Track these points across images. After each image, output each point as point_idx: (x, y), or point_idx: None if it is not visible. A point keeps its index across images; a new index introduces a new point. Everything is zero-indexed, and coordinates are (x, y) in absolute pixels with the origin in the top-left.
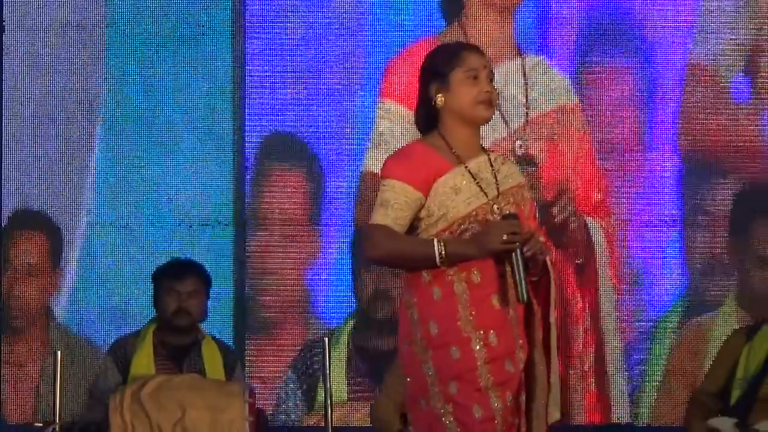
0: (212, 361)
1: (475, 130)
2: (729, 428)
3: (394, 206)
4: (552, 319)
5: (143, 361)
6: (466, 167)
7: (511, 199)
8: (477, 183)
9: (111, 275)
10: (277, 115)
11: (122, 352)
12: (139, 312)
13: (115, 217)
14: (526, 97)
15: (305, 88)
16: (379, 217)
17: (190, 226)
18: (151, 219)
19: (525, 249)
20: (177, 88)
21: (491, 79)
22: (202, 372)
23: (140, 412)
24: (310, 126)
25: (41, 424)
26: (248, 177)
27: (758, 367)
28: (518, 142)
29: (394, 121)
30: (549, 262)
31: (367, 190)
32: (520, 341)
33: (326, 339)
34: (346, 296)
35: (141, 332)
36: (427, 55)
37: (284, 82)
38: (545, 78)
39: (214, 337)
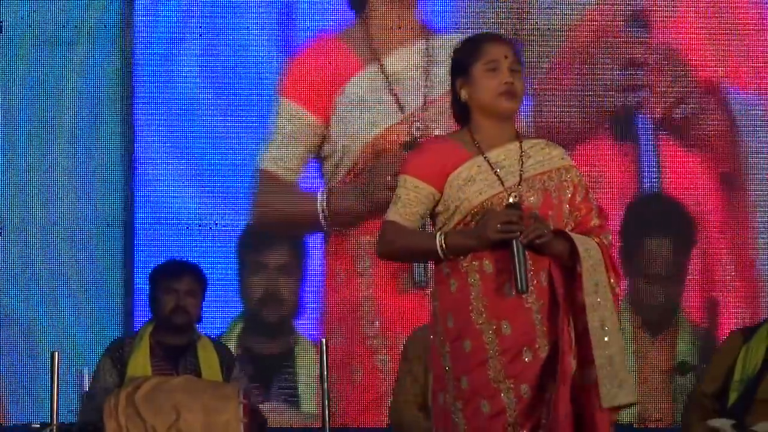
0: (208, 361)
1: (503, 121)
2: (727, 429)
3: (404, 202)
4: (587, 301)
5: (140, 361)
6: (484, 157)
7: (538, 185)
8: (495, 172)
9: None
10: (167, 111)
11: (119, 353)
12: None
13: (11, 217)
14: (426, 79)
15: (197, 84)
16: (389, 214)
17: (81, 228)
18: (41, 221)
19: (521, 237)
20: (65, 86)
21: (515, 70)
22: (197, 373)
23: (135, 415)
24: (202, 123)
25: (38, 425)
26: (138, 177)
27: (756, 368)
28: (416, 125)
29: (292, 122)
30: (581, 247)
31: (264, 189)
32: (544, 329)
33: (324, 341)
34: (233, 299)
35: (138, 333)
36: (453, 50)
37: (174, 78)
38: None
39: (210, 338)
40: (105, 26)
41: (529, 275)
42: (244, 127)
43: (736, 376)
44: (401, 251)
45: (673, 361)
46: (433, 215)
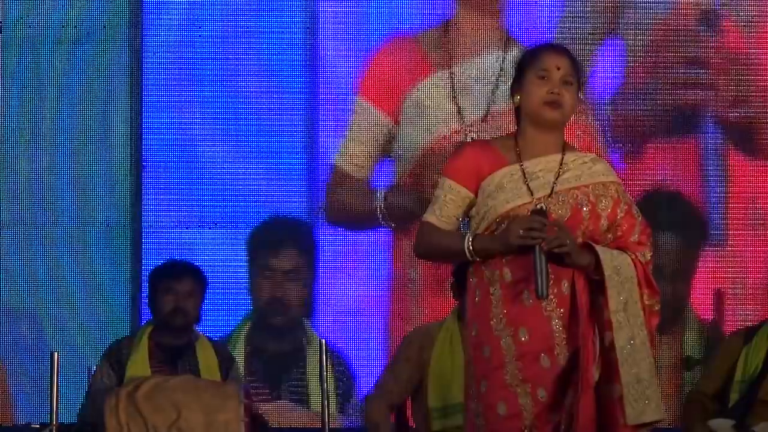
0: (207, 361)
1: (549, 130)
2: (727, 430)
3: (440, 203)
4: (614, 319)
5: (138, 362)
6: (521, 166)
7: (569, 200)
8: (526, 182)
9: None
10: (176, 114)
11: (117, 354)
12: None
13: (13, 217)
14: (495, 90)
15: (206, 84)
16: (427, 214)
17: (89, 227)
18: (50, 219)
19: (543, 243)
20: (75, 86)
21: (567, 82)
22: (197, 373)
23: (136, 414)
24: (212, 123)
25: (38, 426)
26: (146, 177)
27: (757, 369)
28: (472, 135)
29: (366, 120)
30: (607, 263)
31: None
32: (564, 336)
33: (323, 341)
34: (243, 298)
35: (137, 334)
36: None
37: (183, 77)
38: None
39: (209, 338)
40: (113, 25)
41: (550, 282)
42: (256, 128)
43: (737, 376)
44: (435, 251)
45: (681, 357)
46: (469, 218)
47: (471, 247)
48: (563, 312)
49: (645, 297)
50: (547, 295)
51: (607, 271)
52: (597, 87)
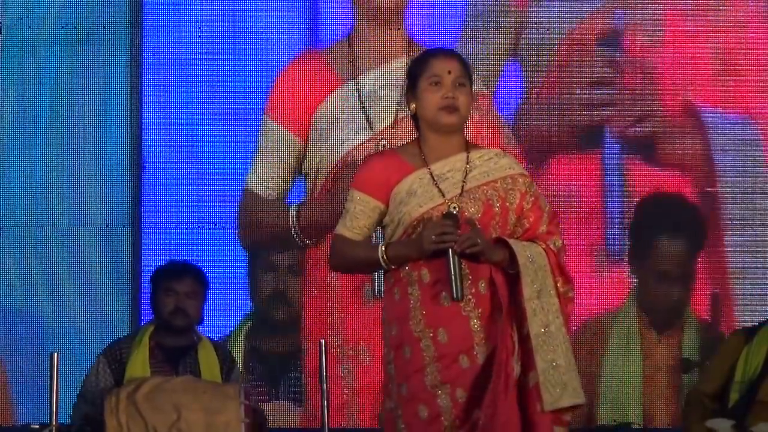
0: (208, 363)
1: (449, 133)
2: (727, 430)
3: (351, 215)
4: (528, 307)
5: (138, 363)
6: (428, 170)
7: (480, 196)
8: (435, 184)
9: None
10: (175, 114)
11: (117, 354)
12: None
13: (14, 218)
14: (401, 96)
15: (205, 85)
16: (338, 227)
17: (89, 227)
18: (50, 219)
19: (455, 246)
20: (76, 86)
21: (460, 84)
22: (197, 374)
23: (136, 414)
24: (212, 125)
25: (37, 426)
26: (146, 177)
27: (757, 369)
28: (382, 142)
29: (274, 141)
30: (521, 254)
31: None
32: (482, 335)
33: (323, 341)
34: (242, 298)
35: (138, 334)
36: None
37: (183, 81)
38: None
39: (210, 339)
40: (113, 25)
41: (466, 284)
42: (256, 128)
43: (737, 376)
44: (349, 263)
45: (680, 356)
46: (382, 227)
47: (385, 256)
48: (481, 312)
49: (559, 284)
50: (463, 297)
51: (521, 261)
52: (501, 104)
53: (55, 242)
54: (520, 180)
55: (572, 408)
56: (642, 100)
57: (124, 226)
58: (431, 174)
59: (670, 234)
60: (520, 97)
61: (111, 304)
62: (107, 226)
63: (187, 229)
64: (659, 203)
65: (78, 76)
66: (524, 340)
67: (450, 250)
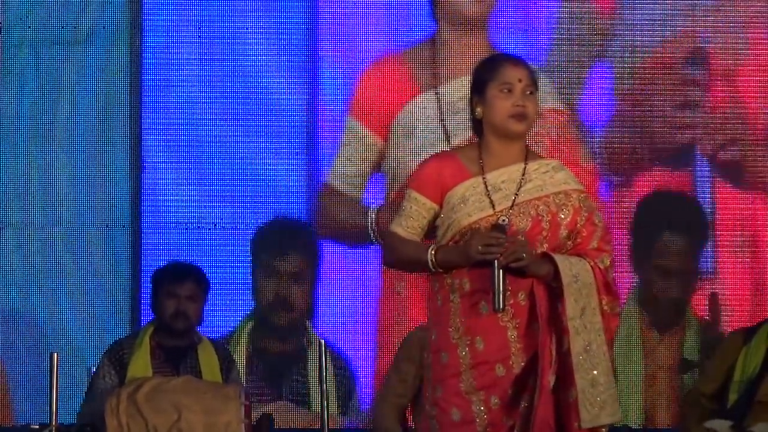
0: (209, 363)
1: (512, 141)
2: (725, 431)
3: (406, 214)
4: (571, 326)
5: (140, 363)
6: (483, 178)
7: (530, 211)
8: (488, 195)
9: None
10: (175, 114)
11: (119, 354)
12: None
13: (14, 218)
14: None
15: (205, 86)
16: (393, 225)
17: (89, 227)
18: (50, 219)
19: (500, 258)
20: (75, 88)
21: (530, 92)
22: (198, 374)
23: (136, 415)
24: (212, 126)
25: (37, 426)
26: (145, 178)
27: (756, 369)
28: None
29: (356, 140)
30: (566, 272)
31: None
32: (519, 345)
33: (322, 341)
34: (243, 298)
35: (139, 334)
36: (474, 68)
37: (182, 81)
38: None
39: (211, 340)
40: (113, 25)
41: (507, 295)
42: (256, 128)
43: (736, 377)
44: (401, 261)
45: (681, 356)
46: (435, 228)
47: (434, 259)
48: (519, 322)
49: (604, 303)
50: (504, 309)
51: (566, 279)
52: (588, 112)
53: (55, 242)
54: (574, 195)
55: (608, 426)
56: (728, 123)
57: (124, 226)
58: (485, 183)
59: (671, 232)
60: (610, 108)
61: (111, 304)
62: (107, 226)
63: (187, 229)
64: (660, 201)
65: (78, 76)
66: (563, 354)
67: (495, 261)
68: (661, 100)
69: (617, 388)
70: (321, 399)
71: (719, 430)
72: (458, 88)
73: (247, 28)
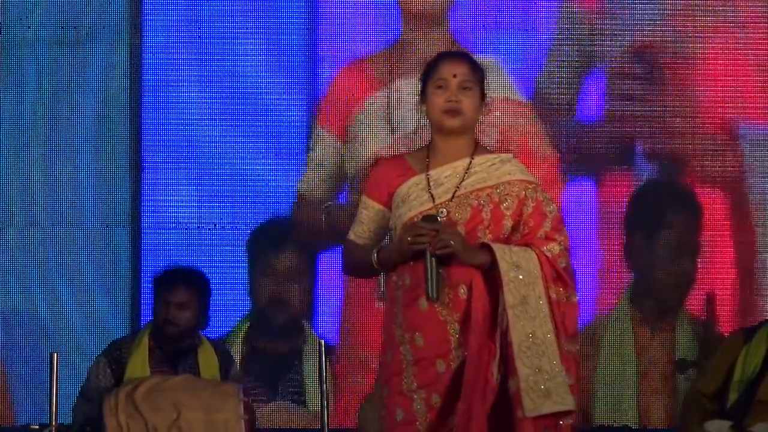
0: (207, 363)
1: (455, 137)
2: (725, 431)
3: (359, 220)
4: (510, 312)
5: (138, 363)
6: (427, 175)
7: (471, 201)
8: (429, 189)
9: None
10: (175, 115)
11: (117, 354)
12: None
13: (14, 218)
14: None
15: (205, 86)
16: (349, 232)
17: (88, 228)
18: (50, 220)
19: (429, 247)
20: (75, 89)
21: (467, 87)
22: (196, 373)
23: (135, 414)
24: (212, 126)
25: (37, 427)
26: (146, 178)
27: (755, 368)
28: (403, 150)
29: (320, 146)
30: (504, 259)
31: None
32: (461, 339)
33: (322, 341)
34: (241, 298)
35: (137, 335)
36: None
37: (183, 81)
38: None
39: (210, 340)
40: (113, 25)
41: (443, 285)
42: (256, 128)
43: (736, 376)
44: (353, 266)
45: (674, 357)
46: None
47: (376, 258)
48: (459, 316)
49: (551, 291)
50: (438, 298)
51: (504, 267)
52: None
53: (55, 242)
54: (520, 186)
55: (566, 415)
56: (674, 117)
57: (124, 226)
58: (428, 179)
59: (664, 227)
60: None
61: (111, 304)
62: (107, 226)
63: (187, 229)
64: (656, 196)
65: (78, 76)
66: (510, 346)
67: (427, 251)
68: (617, 93)
69: (613, 386)
70: (321, 399)
71: (719, 430)
72: (410, 84)
73: (247, 28)
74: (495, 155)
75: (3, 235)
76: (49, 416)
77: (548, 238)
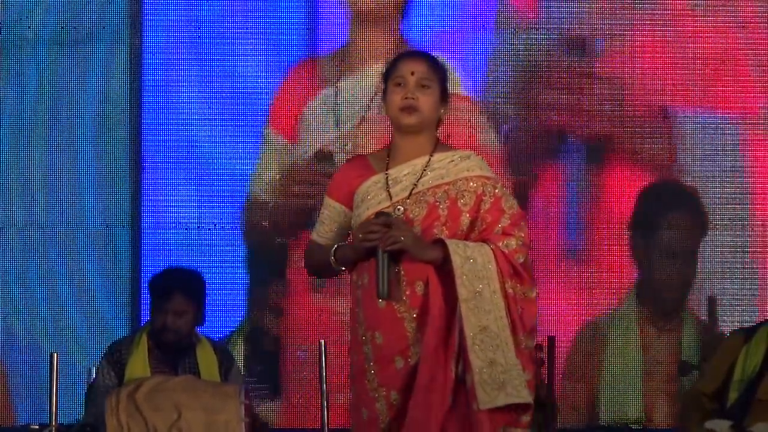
0: (207, 363)
1: (414, 135)
2: (725, 430)
3: (320, 220)
4: (463, 306)
5: (138, 363)
6: (386, 174)
7: (428, 198)
8: (387, 188)
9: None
10: (175, 115)
11: (117, 355)
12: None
13: (13, 218)
14: (374, 96)
15: (206, 88)
16: (312, 232)
17: (88, 228)
18: (50, 220)
19: (380, 244)
20: (75, 89)
21: (423, 86)
22: (196, 374)
23: (136, 414)
24: (212, 126)
25: (37, 427)
26: (145, 179)
27: (755, 368)
28: (347, 144)
29: (271, 147)
30: (457, 253)
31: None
32: (419, 335)
33: (322, 342)
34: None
35: (135, 335)
36: None
37: (182, 82)
38: None
39: (210, 339)
40: (113, 25)
41: (399, 283)
42: (256, 128)
43: (736, 376)
44: (314, 266)
45: (679, 357)
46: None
47: (333, 257)
48: (417, 313)
49: (508, 286)
50: (388, 296)
51: (457, 261)
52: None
53: (55, 242)
54: (477, 182)
55: (525, 409)
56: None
57: (124, 227)
58: (387, 178)
59: (670, 224)
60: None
61: (111, 304)
62: (107, 226)
63: (186, 229)
64: (659, 194)
65: (78, 76)
66: (464, 339)
67: (378, 248)
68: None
69: (618, 384)
70: (321, 399)
71: (719, 430)
72: (357, 79)
73: (247, 28)
74: (455, 152)
75: (3, 235)
76: (49, 416)
77: (505, 234)
